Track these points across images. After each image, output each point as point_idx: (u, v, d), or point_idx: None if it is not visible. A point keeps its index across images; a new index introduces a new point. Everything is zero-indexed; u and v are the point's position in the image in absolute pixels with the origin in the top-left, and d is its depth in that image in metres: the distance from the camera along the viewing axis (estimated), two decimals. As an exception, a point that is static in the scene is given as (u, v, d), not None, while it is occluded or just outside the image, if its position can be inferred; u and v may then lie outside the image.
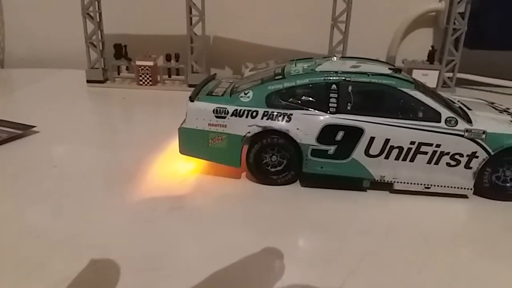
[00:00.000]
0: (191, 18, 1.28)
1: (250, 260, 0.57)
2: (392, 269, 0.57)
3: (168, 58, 1.35)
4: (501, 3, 1.30)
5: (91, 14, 1.28)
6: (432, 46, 1.27)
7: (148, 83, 1.33)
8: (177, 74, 1.38)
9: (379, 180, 0.74)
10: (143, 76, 1.32)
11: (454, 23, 1.22)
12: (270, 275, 0.55)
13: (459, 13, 1.20)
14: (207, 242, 0.61)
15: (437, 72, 1.24)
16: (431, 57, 1.26)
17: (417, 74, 1.25)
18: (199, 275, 0.54)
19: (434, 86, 1.25)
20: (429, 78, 1.25)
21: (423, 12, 1.47)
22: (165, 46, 1.40)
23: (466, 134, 0.70)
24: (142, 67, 1.31)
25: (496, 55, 1.42)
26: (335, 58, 0.86)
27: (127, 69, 1.38)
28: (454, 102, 0.81)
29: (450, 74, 1.27)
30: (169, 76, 1.38)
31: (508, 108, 0.84)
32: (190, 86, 1.31)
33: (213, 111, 0.74)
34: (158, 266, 0.56)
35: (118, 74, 1.38)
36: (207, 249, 0.60)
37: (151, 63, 1.31)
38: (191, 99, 0.75)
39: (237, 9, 1.48)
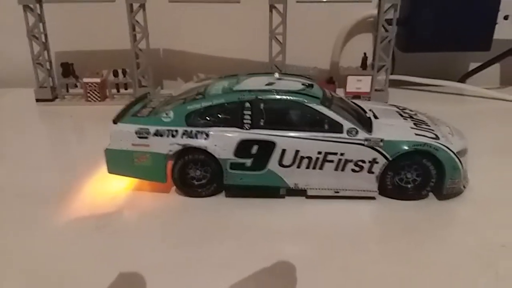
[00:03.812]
0: (135, 35, 1.32)
1: (166, 272, 0.63)
2: (290, 271, 0.63)
3: (115, 73, 1.39)
4: (429, 9, 1.38)
5: (37, 35, 1.31)
6: (364, 53, 1.35)
7: (96, 99, 1.37)
8: (126, 89, 1.43)
9: (293, 188, 0.81)
10: (91, 92, 1.36)
11: (385, 30, 1.29)
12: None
13: (386, 20, 1.27)
14: (130, 259, 0.66)
15: (370, 77, 1.31)
16: (364, 63, 1.34)
17: (352, 80, 1.33)
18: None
19: (368, 90, 1.32)
20: (363, 83, 1.32)
21: (361, 18, 1.54)
22: (112, 61, 1.45)
23: (366, 142, 0.77)
24: (90, 84, 1.35)
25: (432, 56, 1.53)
26: (276, 74, 0.92)
27: (75, 86, 1.41)
28: (366, 112, 0.88)
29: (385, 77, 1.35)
30: (118, 91, 1.43)
31: (415, 114, 0.92)
32: (138, 100, 1.35)
33: (135, 132, 0.79)
34: None
35: (67, 91, 1.42)
36: (129, 266, 0.64)
37: (98, 80, 1.35)
38: (114, 121, 0.80)
39: (184, 22, 1.53)
